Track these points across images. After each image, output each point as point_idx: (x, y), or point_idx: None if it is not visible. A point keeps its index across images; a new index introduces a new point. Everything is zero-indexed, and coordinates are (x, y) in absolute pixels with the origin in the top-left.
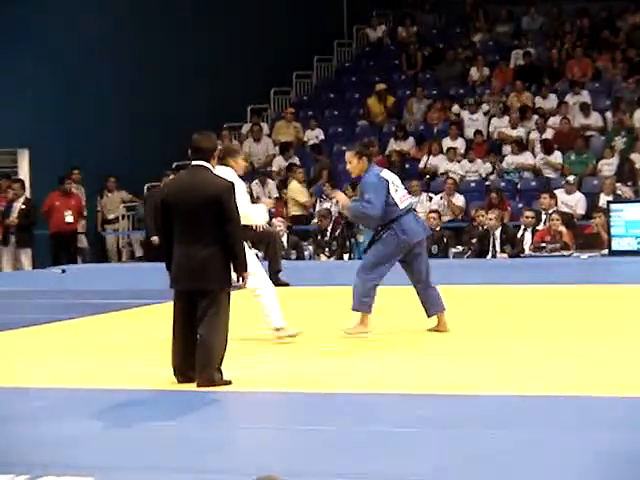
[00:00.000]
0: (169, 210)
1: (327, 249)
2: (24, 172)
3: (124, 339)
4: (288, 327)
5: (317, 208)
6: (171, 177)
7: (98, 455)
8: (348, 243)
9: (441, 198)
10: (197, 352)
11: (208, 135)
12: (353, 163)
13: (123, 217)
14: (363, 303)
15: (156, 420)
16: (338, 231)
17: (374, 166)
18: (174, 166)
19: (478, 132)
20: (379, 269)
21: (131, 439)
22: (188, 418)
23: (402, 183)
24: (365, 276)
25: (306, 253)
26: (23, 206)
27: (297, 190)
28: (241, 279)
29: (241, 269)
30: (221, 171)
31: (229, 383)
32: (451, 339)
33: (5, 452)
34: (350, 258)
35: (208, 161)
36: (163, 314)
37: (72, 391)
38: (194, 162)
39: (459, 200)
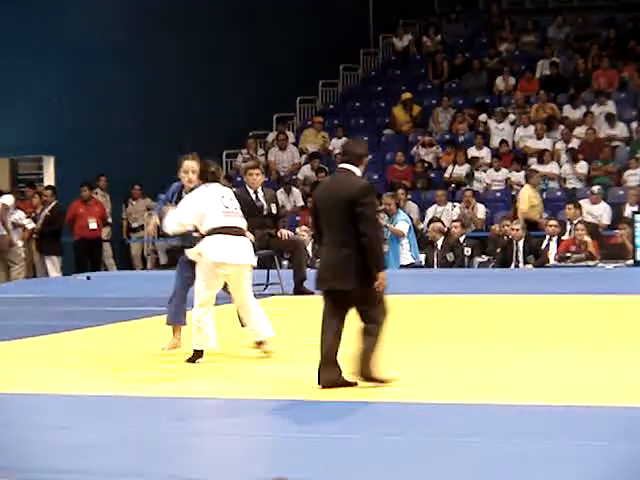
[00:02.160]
0: (317, 212)
1: None
2: (49, 179)
3: (143, 346)
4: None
5: None
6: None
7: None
8: None
9: (459, 209)
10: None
11: (360, 142)
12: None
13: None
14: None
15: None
16: None
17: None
18: None
19: (504, 142)
20: None
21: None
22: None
23: (427, 192)
24: None
25: None
26: (49, 213)
27: None
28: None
29: (376, 270)
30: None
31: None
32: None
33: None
34: None
35: (357, 166)
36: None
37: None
38: (341, 165)
39: (480, 211)
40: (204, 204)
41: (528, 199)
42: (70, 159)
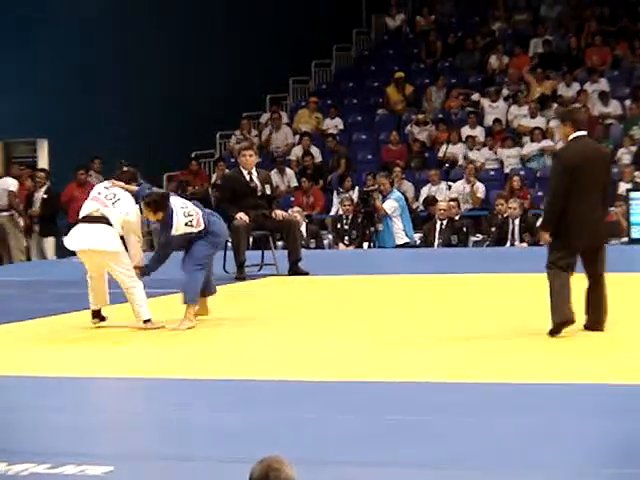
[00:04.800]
0: (574, 173)
1: (346, 238)
2: (44, 162)
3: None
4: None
5: (334, 198)
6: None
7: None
8: (368, 232)
9: (461, 185)
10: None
11: (579, 109)
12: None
13: None
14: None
15: None
16: (358, 220)
17: None
18: (193, 155)
19: (497, 120)
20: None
21: None
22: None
23: (422, 171)
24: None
25: (325, 242)
26: (45, 195)
27: None
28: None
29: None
30: None
31: None
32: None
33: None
34: (370, 247)
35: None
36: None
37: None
38: (579, 133)
39: (480, 188)
40: None
41: None
42: (63, 142)
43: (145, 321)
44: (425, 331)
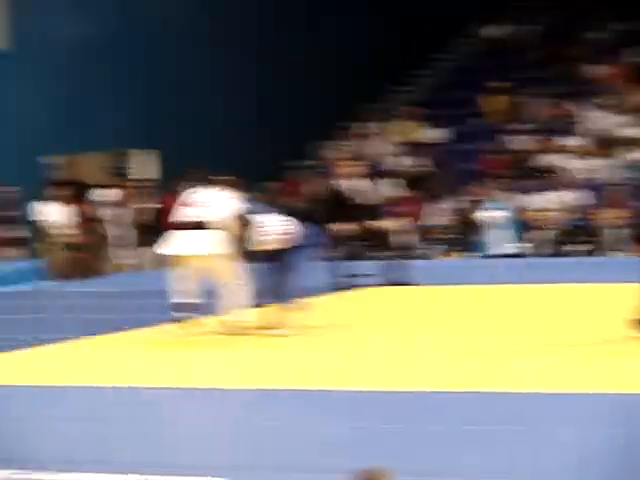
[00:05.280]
0: None
1: (445, 247)
2: (150, 173)
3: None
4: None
5: (435, 208)
6: None
7: None
8: (467, 241)
9: (559, 196)
10: None
11: None
12: None
13: None
14: None
15: None
16: (461, 229)
17: None
18: (289, 166)
19: (595, 130)
20: None
21: None
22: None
23: (522, 181)
24: None
25: (423, 252)
26: (153, 206)
27: None
28: None
29: None
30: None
31: None
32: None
33: None
34: (469, 256)
35: None
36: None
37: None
38: None
39: (577, 197)
40: None
41: None
42: (168, 154)
43: (230, 321)
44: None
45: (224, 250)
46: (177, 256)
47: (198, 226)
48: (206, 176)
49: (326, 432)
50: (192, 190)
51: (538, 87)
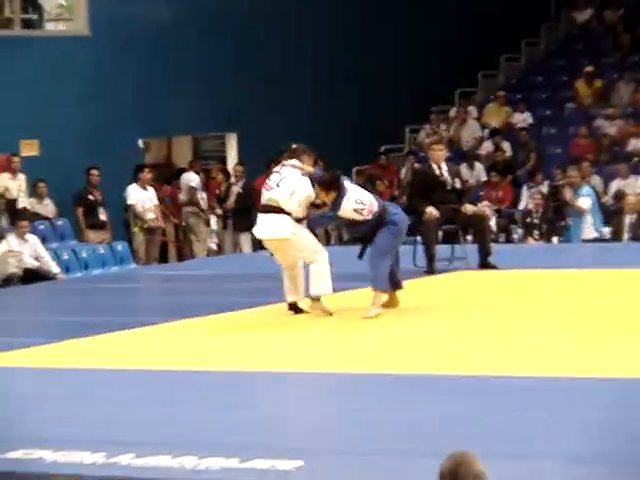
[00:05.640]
0: None
1: (536, 232)
2: (232, 156)
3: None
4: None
5: (524, 192)
6: None
7: None
8: (557, 226)
9: None
10: None
11: None
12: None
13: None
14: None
15: None
16: (548, 214)
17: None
18: (382, 149)
19: None
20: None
21: None
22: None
23: (611, 166)
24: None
25: (514, 236)
26: (240, 190)
27: None
28: None
29: None
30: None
31: None
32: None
33: None
34: (559, 241)
35: None
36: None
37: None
38: None
39: None
40: None
41: None
42: (251, 135)
43: (314, 298)
44: (612, 325)
45: (301, 231)
46: (263, 240)
47: (273, 209)
48: (285, 156)
49: (414, 416)
50: (273, 171)
51: (629, 71)
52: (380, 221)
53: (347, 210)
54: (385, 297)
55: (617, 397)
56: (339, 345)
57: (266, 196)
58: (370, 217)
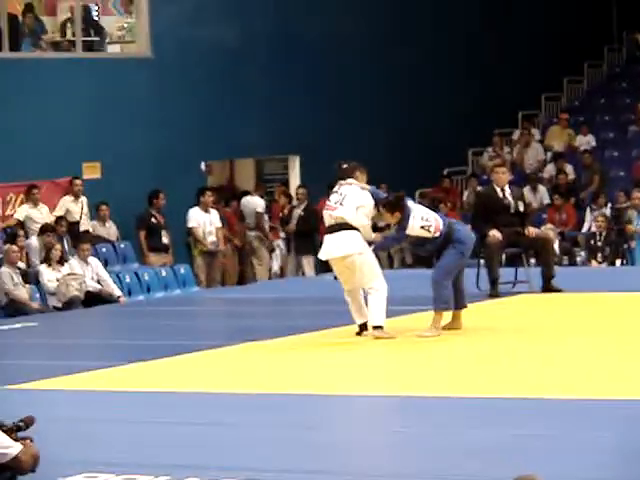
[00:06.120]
0: None
1: (599, 255)
2: (295, 178)
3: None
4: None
5: (587, 215)
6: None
7: None
8: (621, 249)
9: None
10: None
11: None
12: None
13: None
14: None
15: None
16: (611, 237)
17: None
18: (445, 172)
19: None
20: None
21: None
22: None
23: None
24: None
25: (578, 259)
26: (302, 213)
27: None
28: None
29: None
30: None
31: None
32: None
33: None
34: (622, 264)
35: None
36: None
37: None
38: None
39: None
40: None
41: None
42: (313, 158)
43: (375, 327)
44: None
45: (368, 252)
46: (329, 261)
47: (337, 228)
48: (341, 174)
49: (471, 439)
50: (332, 192)
51: None
52: (447, 239)
53: (415, 228)
54: (447, 319)
55: None
56: (403, 367)
57: (332, 217)
58: (438, 234)
